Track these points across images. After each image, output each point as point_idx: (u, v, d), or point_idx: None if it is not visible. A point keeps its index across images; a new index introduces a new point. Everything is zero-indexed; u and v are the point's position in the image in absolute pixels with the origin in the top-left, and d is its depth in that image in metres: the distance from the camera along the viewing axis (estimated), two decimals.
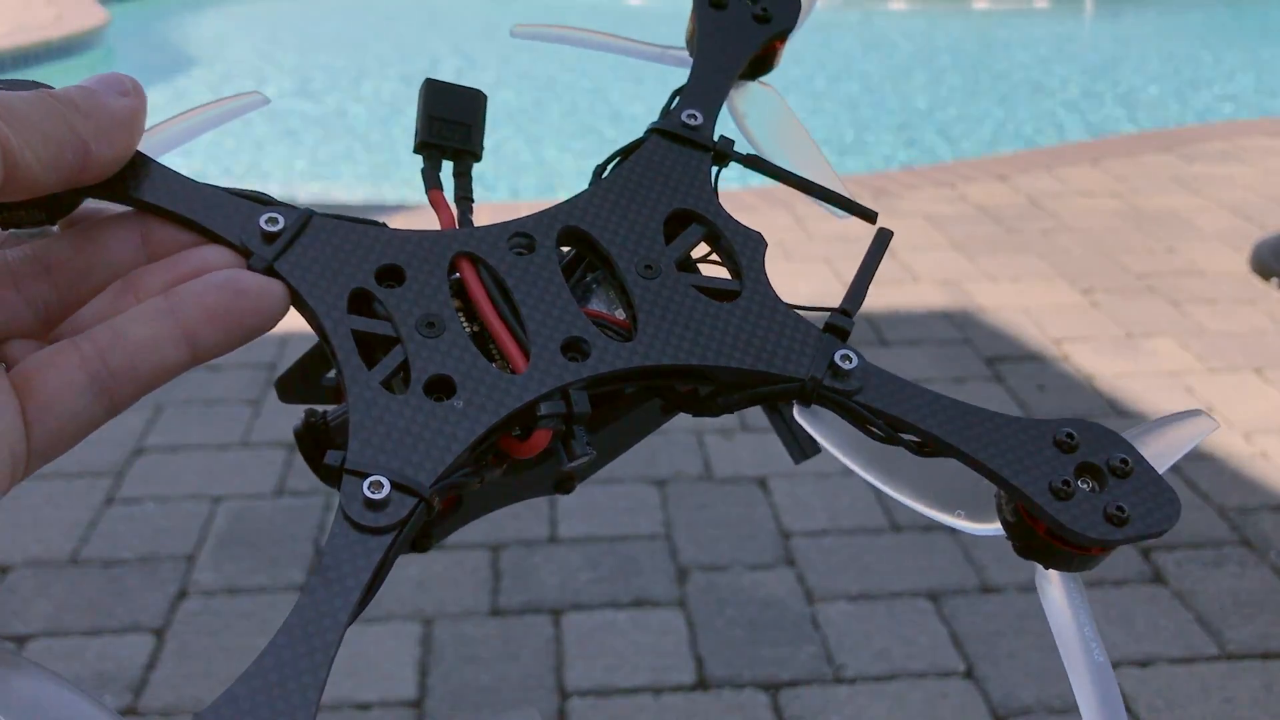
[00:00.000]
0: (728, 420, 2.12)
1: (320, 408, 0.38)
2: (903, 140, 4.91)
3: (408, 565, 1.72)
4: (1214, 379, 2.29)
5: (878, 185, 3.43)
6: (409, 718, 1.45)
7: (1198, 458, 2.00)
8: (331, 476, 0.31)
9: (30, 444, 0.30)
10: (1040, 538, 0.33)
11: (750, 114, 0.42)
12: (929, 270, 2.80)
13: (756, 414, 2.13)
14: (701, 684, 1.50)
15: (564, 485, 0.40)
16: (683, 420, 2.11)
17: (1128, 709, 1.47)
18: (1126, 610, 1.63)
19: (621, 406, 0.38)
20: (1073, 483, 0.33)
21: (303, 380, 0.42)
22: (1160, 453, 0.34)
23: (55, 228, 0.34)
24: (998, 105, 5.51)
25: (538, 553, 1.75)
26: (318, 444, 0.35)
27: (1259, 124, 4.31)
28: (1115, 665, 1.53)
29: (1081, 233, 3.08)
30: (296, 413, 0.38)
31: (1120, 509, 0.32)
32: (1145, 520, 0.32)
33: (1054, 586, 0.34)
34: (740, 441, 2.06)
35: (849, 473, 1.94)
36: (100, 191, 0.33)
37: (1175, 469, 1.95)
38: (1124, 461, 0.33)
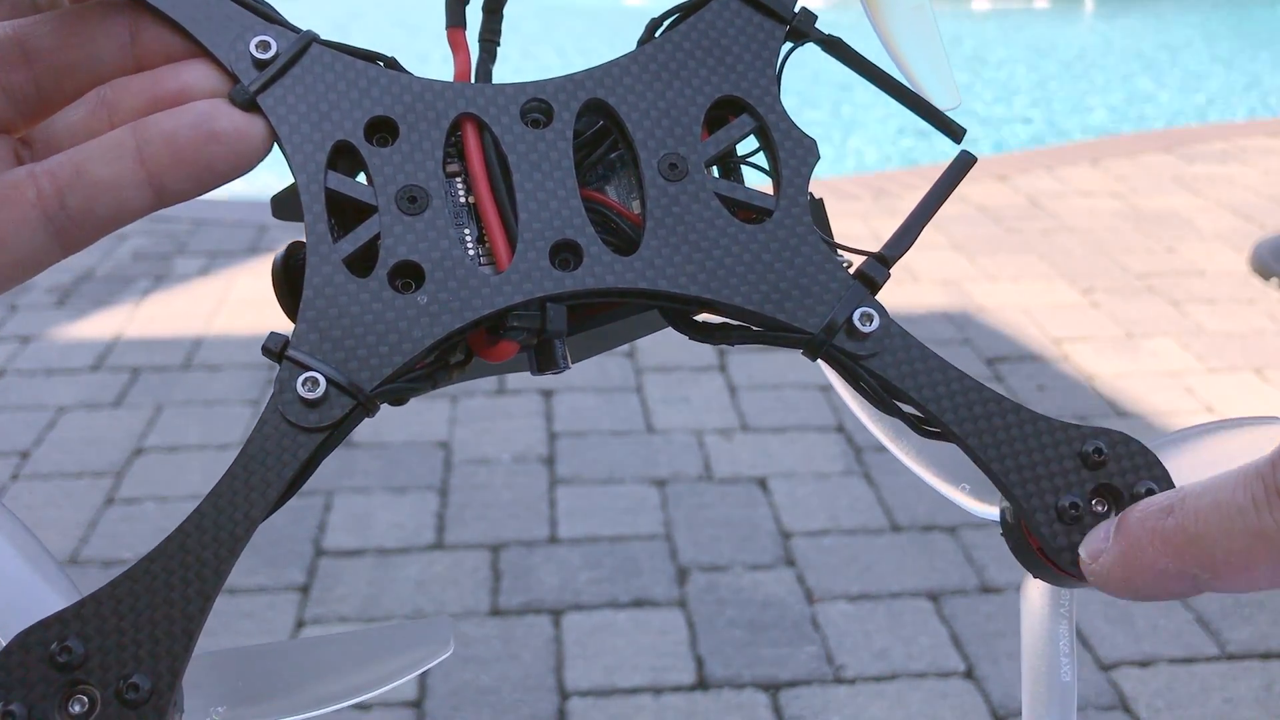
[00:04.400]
0: (728, 420, 2.12)
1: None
2: (902, 140, 4.91)
3: (408, 565, 1.72)
4: (1214, 379, 2.29)
5: (878, 185, 3.43)
6: (409, 718, 1.45)
7: None
8: (273, 355, 0.29)
9: None
10: (1033, 550, 0.30)
11: None
12: (929, 270, 2.80)
13: (757, 413, 2.13)
14: (701, 684, 1.50)
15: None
16: (683, 420, 2.11)
17: (1127, 709, 1.47)
18: (1126, 610, 1.63)
19: (615, 309, 0.33)
20: (1082, 506, 0.29)
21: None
22: (1215, 460, 0.30)
23: None
24: (998, 105, 5.51)
25: (538, 553, 1.75)
26: (292, 286, 0.31)
27: (1259, 124, 4.31)
28: (1115, 665, 1.54)
29: (1081, 233, 3.08)
30: None
31: None
32: None
33: (1037, 593, 0.32)
34: (740, 441, 2.06)
35: (849, 473, 1.93)
36: None
37: None
38: (1150, 491, 0.29)
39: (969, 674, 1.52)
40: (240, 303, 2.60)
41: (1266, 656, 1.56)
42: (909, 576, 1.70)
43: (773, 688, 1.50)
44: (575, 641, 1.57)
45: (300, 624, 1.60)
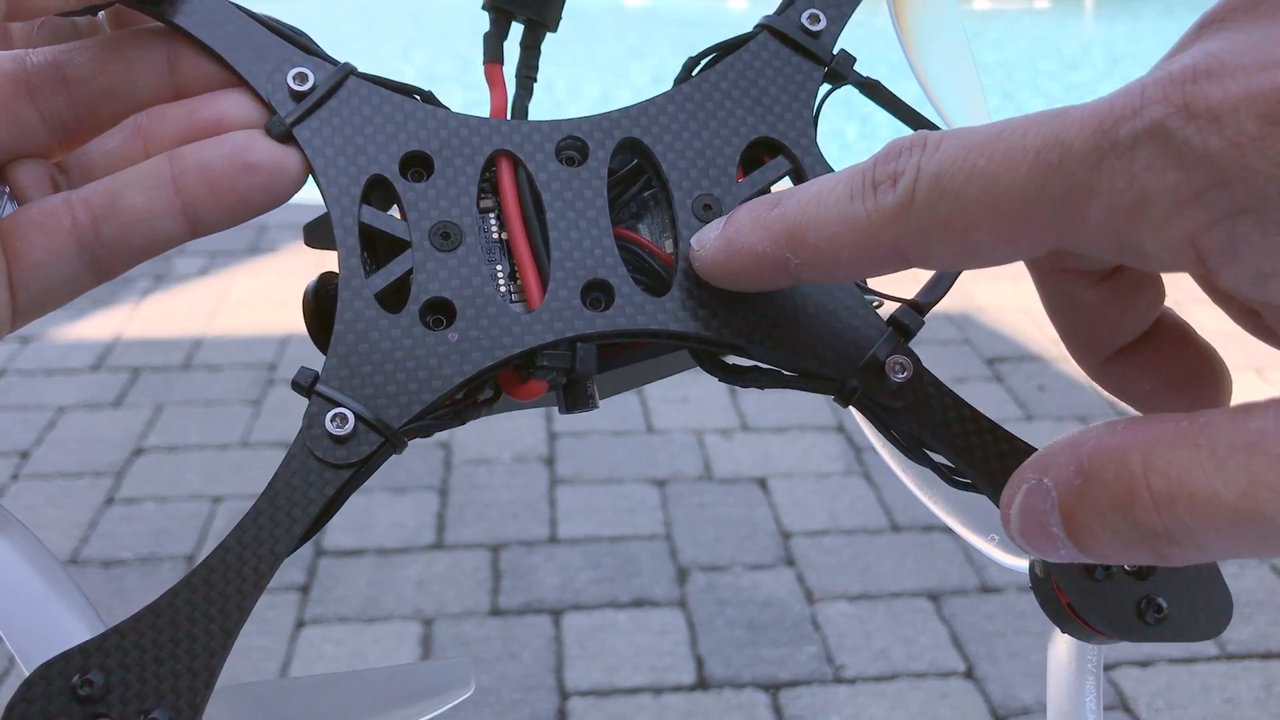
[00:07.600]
0: (728, 420, 2.12)
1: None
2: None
3: (408, 565, 1.72)
4: None
5: None
6: None
7: None
8: (302, 390, 0.29)
9: (15, 305, 0.30)
10: (1062, 605, 0.30)
11: (916, 21, 0.35)
12: (929, 270, 2.80)
13: (757, 413, 2.13)
14: (701, 684, 1.50)
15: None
16: (683, 420, 2.11)
17: (1127, 709, 1.47)
18: None
19: (644, 347, 0.33)
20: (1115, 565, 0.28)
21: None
22: None
23: (101, 15, 0.32)
24: (998, 104, 5.51)
25: (538, 553, 1.75)
26: (322, 318, 0.31)
27: None
28: (1115, 665, 1.54)
29: None
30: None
31: (1159, 606, 0.28)
32: (1183, 625, 0.28)
33: (1065, 648, 0.31)
34: (740, 441, 2.06)
35: (849, 473, 1.93)
36: (134, 1, 0.31)
37: None
38: None
39: (969, 674, 1.52)
40: (240, 303, 2.60)
41: (1266, 656, 1.56)
42: (909, 576, 1.70)
43: (773, 688, 1.50)
44: (575, 641, 1.57)
45: (300, 624, 1.60)
